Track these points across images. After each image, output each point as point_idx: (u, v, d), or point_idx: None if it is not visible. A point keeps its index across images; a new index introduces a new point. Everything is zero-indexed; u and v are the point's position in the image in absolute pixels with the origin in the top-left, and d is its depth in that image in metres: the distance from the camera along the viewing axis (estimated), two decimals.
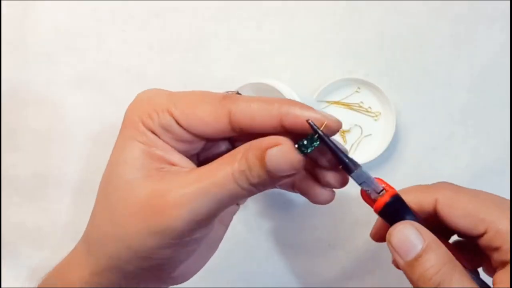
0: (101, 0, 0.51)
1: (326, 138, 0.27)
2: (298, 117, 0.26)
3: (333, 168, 0.30)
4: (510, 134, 0.49)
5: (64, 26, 0.52)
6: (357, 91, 0.50)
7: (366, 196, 0.30)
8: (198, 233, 0.27)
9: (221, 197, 0.26)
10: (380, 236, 0.34)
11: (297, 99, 0.44)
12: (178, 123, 0.27)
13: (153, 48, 0.51)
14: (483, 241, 0.29)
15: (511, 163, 0.49)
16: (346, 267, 0.52)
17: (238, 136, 0.29)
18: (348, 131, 0.50)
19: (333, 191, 0.31)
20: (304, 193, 0.31)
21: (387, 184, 0.30)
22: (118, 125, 0.30)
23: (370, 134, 0.50)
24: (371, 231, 0.35)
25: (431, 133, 0.50)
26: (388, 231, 0.28)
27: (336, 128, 0.27)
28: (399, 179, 0.50)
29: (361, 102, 0.50)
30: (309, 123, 0.26)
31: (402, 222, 0.28)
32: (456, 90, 0.50)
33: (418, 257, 0.27)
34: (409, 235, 0.28)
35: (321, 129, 0.26)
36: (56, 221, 0.53)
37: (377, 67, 0.50)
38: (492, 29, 0.49)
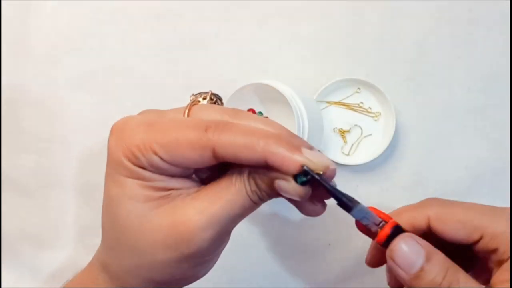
0: (102, 0, 0.51)
1: (325, 183, 0.27)
2: (283, 160, 0.26)
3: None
4: (510, 134, 0.49)
5: (65, 27, 0.52)
6: (357, 92, 0.50)
7: (363, 228, 0.31)
8: (221, 246, 0.30)
9: (238, 212, 0.28)
10: (376, 260, 0.35)
11: (298, 99, 0.44)
12: (163, 160, 0.27)
13: (154, 49, 0.51)
14: (479, 246, 0.31)
15: (511, 163, 0.49)
16: (346, 267, 0.52)
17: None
18: (348, 131, 0.50)
19: (324, 206, 0.31)
20: (294, 205, 0.31)
21: (382, 213, 0.31)
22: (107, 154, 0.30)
23: (370, 134, 0.50)
24: (367, 258, 0.36)
25: (431, 133, 0.50)
26: (389, 249, 0.29)
27: (329, 172, 0.27)
28: (399, 179, 0.50)
29: (361, 103, 0.50)
30: (305, 170, 0.26)
31: (399, 236, 0.29)
32: (456, 90, 0.50)
33: (423, 268, 0.28)
34: (409, 248, 0.29)
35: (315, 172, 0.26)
36: (56, 221, 0.53)
37: (377, 68, 0.50)
38: (492, 29, 0.49)
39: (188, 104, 0.30)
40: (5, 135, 0.53)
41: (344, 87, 0.50)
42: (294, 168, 0.26)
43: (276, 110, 0.50)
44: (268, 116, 0.50)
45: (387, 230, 0.30)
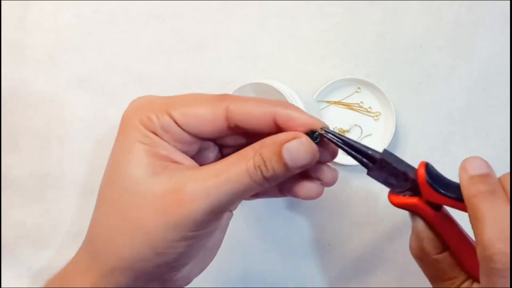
0: (102, 0, 0.51)
1: (348, 140, 0.30)
2: (289, 115, 0.28)
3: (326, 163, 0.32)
4: (510, 134, 0.49)
5: (64, 26, 0.52)
6: (357, 91, 0.50)
7: (396, 198, 0.32)
8: (212, 224, 0.29)
9: (236, 191, 0.27)
10: (420, 249, 0.35)
11: (298, 99, 0.44)
12: (177, 124, 0.28)
13: (154, 49, 0.51)
14: None
15: (511, 163, 0.49)
16: (346, 267, 0.52)
17: (231, 139, 0.31)
18: (348, 131, 0.50)
19: (322, 185, 0.32)
20: (292, 191, 0.32)
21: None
22: (119, 126, 0.30)
23: (370, 134, 0.50)
24: (411, 245, 0.35)
25: (431, 133, 0.50)
26: (463, 162, 0.31)
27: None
28: None
29: (361, 102, 0.50)
30: (325, 130, 0.29)
31: (473, 156, 0.31)
32: (456, 90, 0.50)
33: (488, 174, 0.31)
34: (480, 161, 0.31)
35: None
36: (56, 221, 0.53)
37: (377, 68, 0.50)
38: (492, 29, 0.49)
39: None
40: (5, 135, 0.53)
41: (344, 87, 0.50)
42: (302, 123, 0.28)
43: None
44: None
45: (421, 171, 0.31)
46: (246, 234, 0.52)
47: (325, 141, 0.30)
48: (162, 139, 0.28)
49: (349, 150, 0.30)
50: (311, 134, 0.29)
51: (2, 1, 0.52)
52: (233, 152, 0.29)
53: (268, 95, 0.48)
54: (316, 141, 0.29)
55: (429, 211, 0.31)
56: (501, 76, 0.49)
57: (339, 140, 0.29)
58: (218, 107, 0.28)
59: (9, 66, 0.52)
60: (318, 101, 0.50)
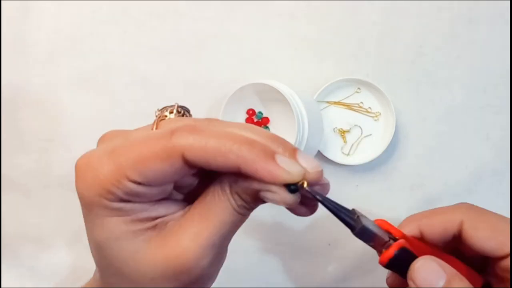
0: (102, 0, 0.51)
1: (326, 203, 0.26)
2: (256, 171, 0.24)
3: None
4: (510, 134, 0.49)
5: (65, 27, 0.52)
6: (357, 92, 0.50)
7: (387, 253, 0.29)
8: (221, 263, 0.29)
9: (230, 229, 0.27)
10: (399, 282, 0.34)
11: (298, 99, 0.44)
12: (138, 183, 0.25)
13: (154, 49, 0.51)
14: (504, 262, 0.30)
15: (511, 163, 0.49)
16: (346, 267, 0.52)
17: (199, 171, 0.27)
18: (348, 131, 0.50)
19: (316, 205, 0.29)
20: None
21: (392, 227, 0.30)
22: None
23: (370, 134, 0.50)
24: (387, 279, 0.35)
25: (431, 133, 0.50)
26: (410, 268, 0.28)
27: (317, 178, 0.25)
28: (399, 179, 0.50)
29: (361, 103, 0.50)
30: (308, 191, 0.24)
31: (422, 257, 0.28)
32: (456, 90, 0.50)
33: None
34: (431, 270, 0.27)
35: (302, 183, 0.25)
36: (56, 221, 0.53)
37: (377, 68, 0.50)
38: (492, 29, 0.49)
39: (154, 120, 0.28)
40: (5, 135, 0.53)
41: (344, 87, 0.50)
42: (270, 179, 0.24)
43: (276, 110, 0.50)
44: (268, 116, 0.50)
45: (391, 251, 0.28)
46: (246, 234, 0.52)
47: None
48: (134, 202, 0.26)
49: (332, 209, 0.27)
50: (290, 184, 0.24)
51: (2, 1, 0.52)
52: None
53: (268, 95, 0.48)
54: (294, 192, 0.25)
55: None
56: (501, 76, 0.49)
57: (322, 199, 0.26)
58: (171, 154, 0.24)
59: (9, 66, 0.52)
60: (318, 101, 0.50)
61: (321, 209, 0.50)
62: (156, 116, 0.29)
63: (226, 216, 0.26)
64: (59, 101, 0.52)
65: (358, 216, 0.28)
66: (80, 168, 0.26)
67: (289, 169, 0.24)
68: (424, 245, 0.32)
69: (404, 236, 0.30)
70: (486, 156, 0.50)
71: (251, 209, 0.27)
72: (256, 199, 0.26)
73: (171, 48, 0.51)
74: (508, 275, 0.30)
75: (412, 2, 0.49)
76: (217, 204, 0.26)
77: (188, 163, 0.24)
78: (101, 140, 0.29)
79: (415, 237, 0.32)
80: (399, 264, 0.29)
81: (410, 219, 0.33)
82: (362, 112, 0.50)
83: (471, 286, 0.27)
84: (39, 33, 0.52)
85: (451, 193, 0.50)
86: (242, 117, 0.50)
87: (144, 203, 0.26)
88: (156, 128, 0.27)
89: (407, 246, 0.29)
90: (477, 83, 0.49)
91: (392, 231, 0.30)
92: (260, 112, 0.50)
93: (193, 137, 0.24)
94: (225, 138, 0.24)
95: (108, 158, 0.25)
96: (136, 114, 0.51)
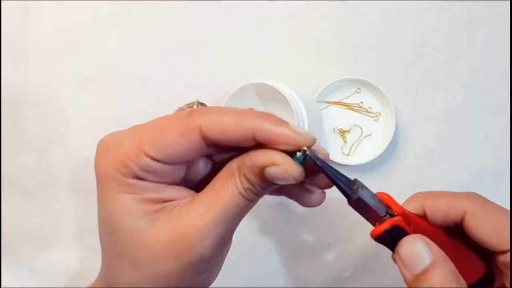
0: (102, 0, 0.51)
1: (325, 169, 0.27)
2: (271, 133, 0.26)
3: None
4: (510, 134, 0.49)
5: (65, 27, 0.52)
6: (357, 92, 0.50)
7: (380, 226, 0.29)
8: (224, 251, 0.29)
9: (236, 214, 0.27)
10: None
11: (298, 99, 0.44)
12: (155, 160, 0.26)
13: (154, 49, 0.51)
14: (504, 257, 0.30)
15: (511, 163, 0.49)
16: (346, 267, 0.52)
17: (215, 152, 0.29)
18: (348, 131, 0.50)
19: (324, 193, 0.30)
20: (292, 198, 0.31)
21: (393, 203, 0.30)
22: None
23: (370, 134, 0.50)
24: (393, 255, 0.35)
25: (431, 133, 0.50)
26: (398, 243, 0.29)
27: (312, 145, 0.27)
28: (399, 179, 0.50)
29: (361, 103, 0.50)
30: (306, 154, 0.26)
31: (412, 235, 0.28)
32: (456, 90, 0.50)
33: (425, 272, 0.27)
34: (418, 248, 0.28)
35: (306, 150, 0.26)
36: (56, 221, 0.53)
37: (377, 68, 0.50)
38: (492, 29, 0.49)
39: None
40: (5, 135, 0.53)
41: (344, 87, 0.50)
42: (284, 140, 0.26)
43: (276, 110, 0.50)
44: None
45: (382, 227, 0.28)
46: (246, 235, 0.52)
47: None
48: (146, 180, 0.27)
49: (331, 176, 0.28)
50: (295, 153, 0.26)
51: (2, 1, 0.52)
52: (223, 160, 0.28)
53: (269, 95, 0.48)
54: (300, 162, 0.26)
55: (409, 229, 0.30)
56: (501, 76, 0.49)
57: (322, 164, 0.27)
58: (189, 127, 0.26)
59: (9, 66, 0.52)
60: (318, 101, 0.50)
61: (321, 209, 0.50)
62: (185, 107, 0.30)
63: (232, 199, 0.27)
64: (59, 101, 0.52)
65: (357, 187, 0.28)
66: (103, 144, 0.28)
67: (301, 132, 0.26)
68: (426, 224, 0.32)
69: (403, 213, 0.30)
70: (486, 156, 0.50)
71: (257, 194, 0.27)
72: (263, 180, 0.27)
73: (171, 48, 0.51)
74: (507, 270, 0.30)
75: (412, 2, 0.49)
76: (224, 188, 0.27)
77: (205, 138, 0.26)
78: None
79: (418, 215, 0.32)
80: (390, 240, 0.29)
81: (416, 196, 0.33)
82: (362, 112, 0.50)
83: (455, 270, 0.28)
84: (39, 33, 0.52)
85: None
86: None
87: (157, 183, 0.27)
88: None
89: (401, 224, 0.29)
90: (477, 83, 0.49)
91: (392, 206, 0.30)
92: None
93: (209, 114, 0.26)
94: (240, 112, 0.26)
95: (129, 133, 0.27)
96: (136, 114, 0.51)
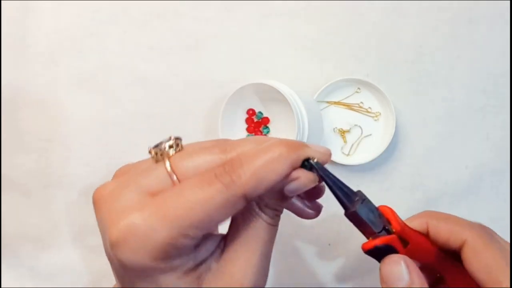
0: (102, 0, 0.51)
1: (326, 178, 0.27)
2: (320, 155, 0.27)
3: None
4: (510, 134, 0.49)
5: (65, 27, 0.52)
6: (357, 92, 0.50)
7: (372, 242, 0.30)
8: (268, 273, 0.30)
9: (271, 243, 0.29)
10: None
11: (298, 99, 0.44)
12: (195, 238, 0.25)
13: (154, 49, 0.51)
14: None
15: (511, 163, 0.49)
16: (346, 267, 0.52)
17: None
18: (348, 131, 0.50)
19: (319, 209, 0.31)
20: (290, 209, 0.32)
21: (393, 219, 0.30)
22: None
23: (370, 134, 0.50)
24: None
25: (431, 133, 0.50)
26: (382, 260, 0.30)
27: (326, 160, 0.28)
28: (399, 179, 0.50)
29: (361, 103, 0.50)
30: (312, 164, 0.27)
31: (395, 255, 0.29)
32: (456, 90, 0.50)
33: None
34: (398, 269, 0.29)
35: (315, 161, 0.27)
36: (56, 221, 0.53)
37: (377, 68, 0.50)
38: (492, 29, 0.49)
39: (158, 160, 0.27)
40: (5, 135, 0.53)
41: (344, 87, 0.50)
42: (323, 157, 0.27)
43: (276, 110, 0.50)
44: (268, 116, 0.50)
45: (372, 244, 0.29)
46: None
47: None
48: (182, 255, 0.26)
49: (330, 185, 0.28)
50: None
51: (2, 1, 0.52)
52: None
53: (268, 95, 0.48)
54: (310, 169, 0.27)
55: (402, 248, 0.30)
56: (501, 76, 0.49)
57: (323, 173, 0.27)
58: (235, 201, 0.25)
59: (9, 66, 0.52)
60: (318, 101, 0.50)
61: (322, 209, 0.50)
62: (153, 154, 0.28)
63: (264, 234, 0.28)
64: (59, 101, 0.52)
65: (358, 199, 0.29)
66: (124, 237, 0.24)
67: (319, 148, 0.28)
68: (426, 244, 0.32)
69: (402, 230, 0.30)
70: (486, 156, 0.50)
71: (280, 214, 0.28)
72: (283, 199, 0.28)
73: (171, 48, 0.51)
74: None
75: (412, 2, 0.49)
76: (252, 227, 0.27)
77: (248, 199, 0.25)
78: (116, 176, 0.29)
79: (421, 233, 0.32)
80: (380, 256, 0.30)
81: (424, 214, 0.33)
82: (362, 112, 0.50)
83: None
84: (39, 33, 0.52)
85: (451, 193, 0.50)
86: (242, 117, 0.50)
87: (190, 253, 0.26)
88: (171, 168, 0.26)
89: (394, 243, 0.29)
90: (477, 83, 0.49)
91: (392, 221, 0.30)
92: (260, 112, 0.50)
93: (247, 175, 0.25)
94: (264, 151, 0.25)
95: (162, 221, 0.24)
96: (136, 114, 0.51)
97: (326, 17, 0.50)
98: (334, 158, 0.49)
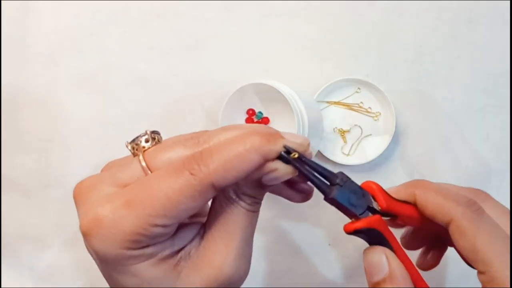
0: (102, 0, 0.51)
1: (300, 167, 0.27)
2: (276, 153, 0.26)
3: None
4: (510, 134, 0.49)
5: (65, 27, 0.52)
6: (357, 92, 0.50)
7: (356, 223, 0.29)
8: (250, 259, 0.29)
9: (252, 229, 0.29)
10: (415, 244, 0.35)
11: (298, 99, 0.44)
12: (166, 226, 0.25)
13: (154, 49, 0.51)
14: (482, 277, 0.29)
15: (511, 163, 0.49)
16: (346, 267, 0.52)
17: None
18: (348, 131, 0.50)
19: (310, 190, 0.31)
20: (278, 195, 0.31)
21: (380, 195, 0.30)
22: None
23: (370, 134, 0.50)
24: (402, 239, 0.36)
25: (431, 133, 0.50)
26: (364, 251, 0.30)
27: (302, 149, 0.27)
28: (399, 179, 0.50)
29: (361, 103, 0.50)
30: (287, 158, 0.26)
31: (377, 247, 0.29)
32: (456, 90, 0.50)
33: (380, 282, 0.28)
34: (378, 259, 0.29)
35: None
36: (56, 221, 0.53)
37: (377, 68, 0.50)
38: (492, 29, 0.49)
39: (135, 154, 0.28)
40: (5, 135, 0.53)
41: (344, 87, 0.50)
42: (298, 147, 0.26)
43: (276, 110, 0.50)
44: (268, 116, 0.50)
45: (358, 224, 0.29)
46: None
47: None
48: (155, 244, 0.26)
49: (306, 174, 0.28)
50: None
51: (2, 1, 0.52)
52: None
53: (268, 95, 0.48)
54: (287, 161, 0.27)
55: (385, 227, 0.30)
56: (501, 76, 0.49)
57: (297, 164, 0.27)
58: (203, 190, 0.25)
59: (9, 66, 0.52)
60: (318, 101, 0.50)
61: (321, 209, 0.50)
62: (131, 148, 0.28)
63: (243, 220, 0.27)
64: (59, 101, 0.52)
65: (338, 182, 0.29)
66: (93, 227, 0.25)
67: (295, 140, 0.27)
68: (414, 216, 0.31)
69: (388, 207, 0.30)
70: (486, 156, 0.50)
71: (260, 201, 0.28)
72: (261, 187, 0.27)
73: (171, 48, 0.51)
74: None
75: (412, 2, 0.49)
76: (230, 214, 0.27)
77: (218, 188, 0.25)
78: (100, 172, 0.29)
79: (411, 204, 0.32)
80: (365, 237, 0.30)
81: (410, 184, 0.33)
82: (362, 112, 0.50)
83: (409, 284, 0.28)
84: (39, 33, 0.52)
85: None
86: (242, 117, 0.50)
87: (165, 241, 0.27)
88: (145, 160, 0.27)
89: (376, 225, 0.29)
90: (477, 83, 0.49)
91: (378, 199, 0.30)
92: (260, 112, 0.50)
93: (216, 163, 0.25)
94: (238, 139, 0.25)
95: (128, 211, 0.25)
96: (136, 114, 0.51)
97: (326, 17, 0.50)
98: (334, 158, 0.49)
